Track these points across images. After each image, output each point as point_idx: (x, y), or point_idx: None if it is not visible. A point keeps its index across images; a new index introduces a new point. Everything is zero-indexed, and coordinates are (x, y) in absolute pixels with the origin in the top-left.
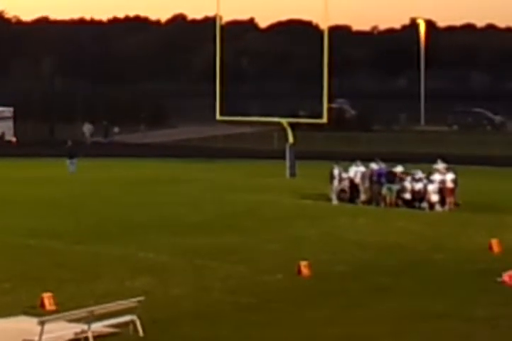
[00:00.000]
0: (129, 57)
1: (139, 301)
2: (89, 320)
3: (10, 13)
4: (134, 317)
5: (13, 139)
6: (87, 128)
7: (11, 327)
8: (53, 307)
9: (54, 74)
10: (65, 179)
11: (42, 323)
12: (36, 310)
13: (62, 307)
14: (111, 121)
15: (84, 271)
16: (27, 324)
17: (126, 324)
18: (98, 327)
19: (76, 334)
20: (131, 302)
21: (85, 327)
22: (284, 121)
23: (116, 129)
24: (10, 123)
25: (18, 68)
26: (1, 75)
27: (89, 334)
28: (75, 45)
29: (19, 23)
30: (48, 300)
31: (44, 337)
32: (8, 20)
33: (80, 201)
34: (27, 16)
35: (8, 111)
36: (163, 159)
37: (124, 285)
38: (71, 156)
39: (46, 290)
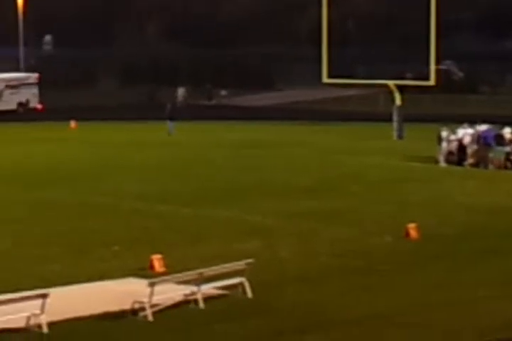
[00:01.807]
0: (234, 21)
1: (247, 264)
2: (199, 282)
3: None
4: (242, 279)
5: (39, 106)
6: (180, 91)
7: (122, 289)
8: (163, 270)
9: (160, 38)
10: (168, 143)
11: (152, 285)
12: (146, 272)
13: (171, 270)
14: (217, 85)
15: (192, 234)
16: (137, 286)
17: (234, 286)
18: (207, 288)
19: (186, 295)
20: (240, 264)
21: (195, 288)
22: (391, 83)
23: (223, 92)
24: (35, 90)
25: (123, 33)
26: (106, 40)
27: (199, 296)
28: (181, 8)
29: None
30: (157, 262)
31: (154, 298)
32: None
33: (185, 165)
34: None
35: (32, 77)
36: (269, 122)
37: (231, 248)
38: (171, 118)
39: (155, 253)
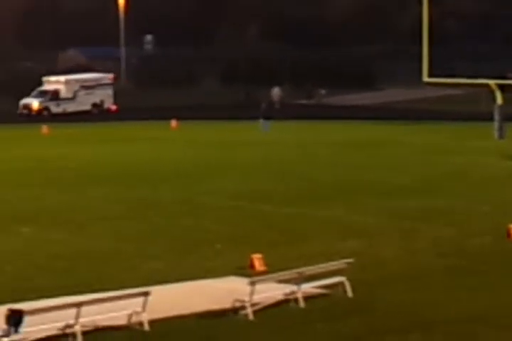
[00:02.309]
0: (335, 20)
1: (348, 263)
2: (299, 280)
3: None
4: (343, 278)
5: (113, 107)
6: (275, 91)
7: (222, 287)
8: (263, 268)
9: (259, 39)
10: (266, 142)
11: (252, 283)
12: (246, 271)
13: (271, 269)
14: (317, 84)
15: (292, 233)
16: (237, 284)
17: (335, 285)
18: (307, 288)
19: (286, 294)
20: (340, 263)
21: (295, 287)
22: (493, 82)
23: (323, 91)
24: (109, 91)
25: (223, 32)
26: (206, 40)
27: (299, 295)
28: (281, 8)
29: None
30: (257, 261)
31: (254, 297)
32: None
33: (285, 163)
34: None
35: (107, 77)
36: (371, 121)
37: (332, 247)
38: (266, 117)
39: (256, 252)
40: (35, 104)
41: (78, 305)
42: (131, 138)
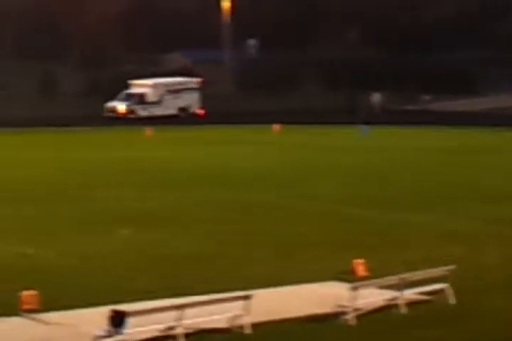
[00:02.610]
0: (438, 25)
1: (450, 269)
2: (401, 286)
3: None
4: (445, 285)
5: (200, 111)
6: (376, 96)
7: (324, 292)
8: (365, 274)
9: (361, 43)
10: (367, 147)
11: (354, 289)
12: (348, 276)
13: (372, 274)
14: (420, 89)
15: (394, 238)
16: (339, 289)
17: (437, 292)
18: (409, 294)
19: (387, 300)
20: (442, 270)
21: (397, 293)
22: None
23: (426, 97)
24: (196, 95)
25: (326, 37)
26: (309, 44)
27: (401, 301)
28: (383, 13)
29: None
30: (359, 266)
31: (356, 302)
32: None
33: (386, 169)
34: None
35: (193, 82)
36: (473, 128)
37: (434, 253)
38: (366, 122)
39: (357, 257)
40: (121, 107)
41: (180, 307)
42: (234, 141)
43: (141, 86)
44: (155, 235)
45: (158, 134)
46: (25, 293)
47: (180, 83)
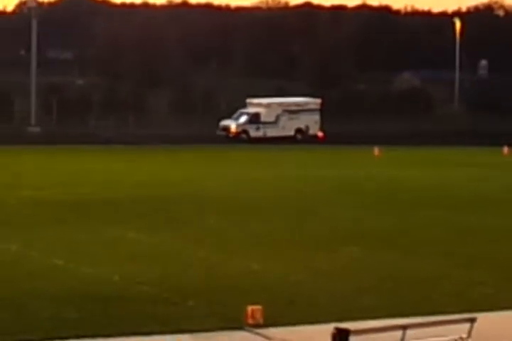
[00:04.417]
0: None
1: None
2: None
3: None
4: None
5: (320, 133)
6: None
7: None
8: None
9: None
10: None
11: None
12: None
13: None
14: None
15: None
16: None
17: None
18: None
19: None
20: None
21: None
22: None
23: None
24: (316, 116)
25: None
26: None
27: None
28: None
29: None
30: None
31: None
32: None
33: None
34: None
35: (314, 102)
36: None
37: None
38: None
39: None
40: (232, 126)
41: (404, 327)
42: (464, 163)
43: (256, 105)
44: (383, 255)
45: (386, 153)
46: (250, 307)
47: (297, 103)
